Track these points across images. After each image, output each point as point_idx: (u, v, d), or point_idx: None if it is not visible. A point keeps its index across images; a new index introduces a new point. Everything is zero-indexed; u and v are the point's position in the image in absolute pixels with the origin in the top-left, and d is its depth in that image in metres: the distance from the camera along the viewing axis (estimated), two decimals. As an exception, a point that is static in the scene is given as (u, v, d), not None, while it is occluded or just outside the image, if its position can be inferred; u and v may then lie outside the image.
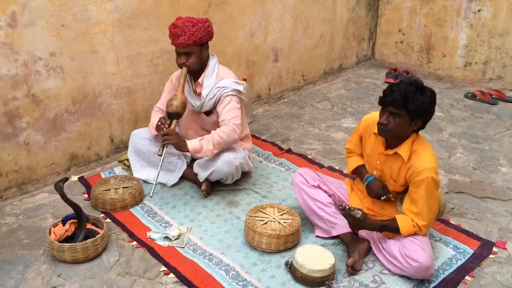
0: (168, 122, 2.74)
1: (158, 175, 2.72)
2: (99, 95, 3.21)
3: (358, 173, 2.56)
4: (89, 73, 3.10)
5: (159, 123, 2.78)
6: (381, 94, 2.24)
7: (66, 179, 2.47)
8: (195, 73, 2.87)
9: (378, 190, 2.41)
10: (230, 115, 2.78)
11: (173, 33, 2.71)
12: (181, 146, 2.71)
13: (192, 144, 2.72)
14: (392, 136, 2.28)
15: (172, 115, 2.74)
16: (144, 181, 3.07)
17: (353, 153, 2.61)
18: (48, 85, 2.93)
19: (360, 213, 2.25)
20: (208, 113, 2.96)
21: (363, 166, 2.54)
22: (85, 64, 3.07)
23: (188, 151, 2.73)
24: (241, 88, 2.84)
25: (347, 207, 2.25)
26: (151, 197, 2.76)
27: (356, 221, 2.28)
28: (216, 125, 2.97)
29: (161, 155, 2.67)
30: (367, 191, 2.46)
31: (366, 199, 2.55)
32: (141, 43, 3.32)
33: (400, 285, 2.28)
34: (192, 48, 2.74)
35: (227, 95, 2.80)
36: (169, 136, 2.67)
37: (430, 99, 2.17)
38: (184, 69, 2.79)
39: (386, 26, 5.53)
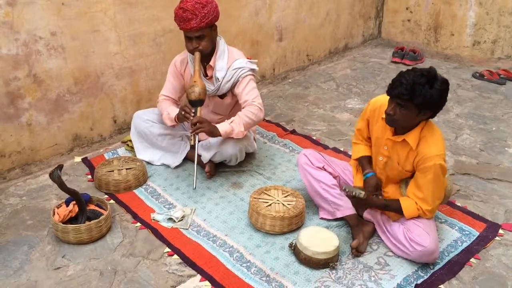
0: (193, 111, 2.66)
1: (196, 169, 2.68)
2: (101, 75, 3.17)
3: (361, 164, 2.55)
4: (90, 53, 3.06)
5: (183, 113, 2.68)
6: (390, 82, 2.16)
7: (61, 166, 2.41)
8: (205, 55, 2.76)
9: (370, 188, 2.41)
10: (253, 95, 2.74)
11: (183, 18, 2.58)
12: (213, 132, 2.64)
13: (223, 127, 2.65)
14: (399, 126, 2.24)
15: (196, 103, 2.65)
16: (148, 162, 3.06)
17: (361, 138, 2.57)
18: (50, 65, 2.90)
19: (363, 192, 2.25)
20: (222, 96, 2.91)
21: (366, 158, 2.53)
22: (87, 43, 3.02)
23: (220, 135, 2.67)
24: (255, 67, 2.82)
25: (351, 191, 2.24)
26: (194, 189, 2.71)
27: (360, 201, 2.27)
28: (230, 107, 2.94)
29: (194, 145, 2.64)
30: (364, 185, 2.47)
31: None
32: (144, 22, 3.26)
33: (404, 266, 2.27)
34: (205, 31, 2.64)
35: (245, 76, 2.76)
36: (201, 124, 2.59)
37: (439, 92, 2.07)
38: (198, 53, 2.68)
39: (393, 4, 5.42)
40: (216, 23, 2.76)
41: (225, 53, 2.80)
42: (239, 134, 2.71)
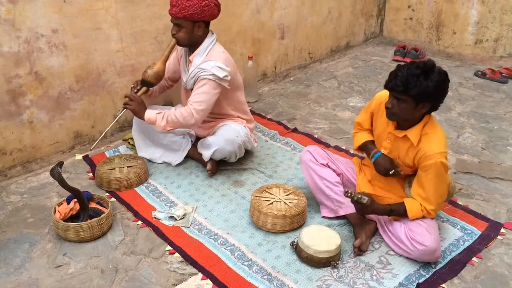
0: (138, 88, 2.86)
1: (105, 132, 2.88)
2: (103, 73, 3.17)
3: (365, 148, 2.51)
4: (92, 51, 3.06)
5: (132, 86, 2.91)
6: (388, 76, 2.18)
7: (62, 163, 2.41)
8: (190, 48, 2.85)
9: (385, 165, 2.34)
10: (196, 99, 2.73)
11: (170, 1, 2.71)
12: (138, 114, 2.79)
13: (148, 114, 2.77)
14: (400, 120, 2.23)
15: (144, 82, 2.84)
16: (149, 160, 3.05)
17: (362, 128, 2.56)
18: (51, 62, 2.89)
19: (367, 198, 2.22)
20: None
21: (370, 142, 2.49)
22: (88, 41, 3.02)
23: (143, 119, 2.78)
24: (221, 74, 2.72)
25: (353, 195, 2.21)
26: (91, 150, 2.89)
27: (363, 207, 2.25)
28: None
29: (116, 116, 2.86)
30: (375, 167, 2.40)
31: (374, 180, 2.51)
32: (145, 20, 3.26)
33: (406, 266, 2.27)
34: (183, 22, 2.69)
35: (204, 78, 2.73)
36: (130, 101, 2.78)
37: (435, 83, 2.07)
38: (173, 40, 2.80)
39: (395, 2, 5.40)
40: (206, 22, 2.76)
41: (206, 52, 2.80)
42: (159, 127, 2.77)
